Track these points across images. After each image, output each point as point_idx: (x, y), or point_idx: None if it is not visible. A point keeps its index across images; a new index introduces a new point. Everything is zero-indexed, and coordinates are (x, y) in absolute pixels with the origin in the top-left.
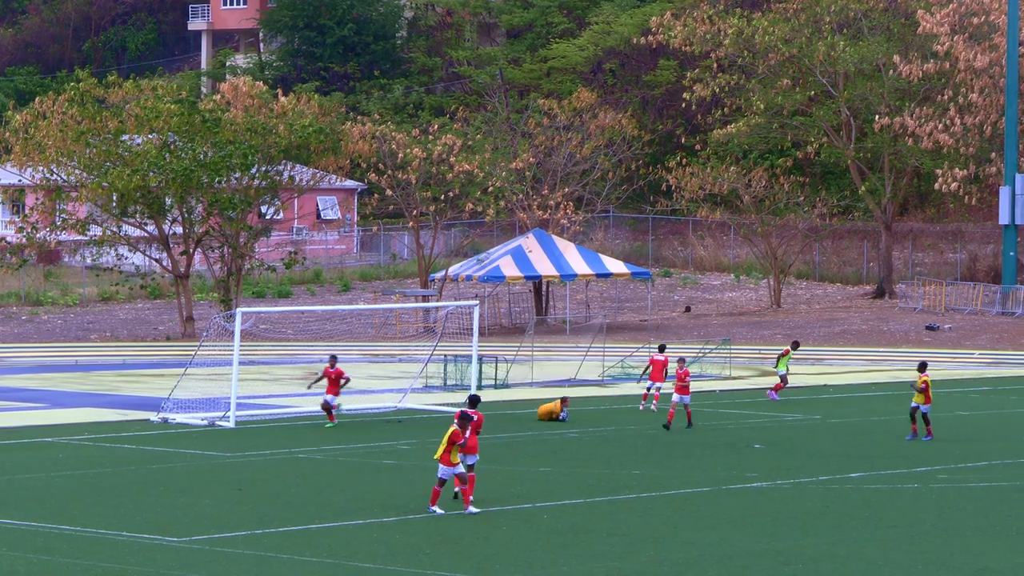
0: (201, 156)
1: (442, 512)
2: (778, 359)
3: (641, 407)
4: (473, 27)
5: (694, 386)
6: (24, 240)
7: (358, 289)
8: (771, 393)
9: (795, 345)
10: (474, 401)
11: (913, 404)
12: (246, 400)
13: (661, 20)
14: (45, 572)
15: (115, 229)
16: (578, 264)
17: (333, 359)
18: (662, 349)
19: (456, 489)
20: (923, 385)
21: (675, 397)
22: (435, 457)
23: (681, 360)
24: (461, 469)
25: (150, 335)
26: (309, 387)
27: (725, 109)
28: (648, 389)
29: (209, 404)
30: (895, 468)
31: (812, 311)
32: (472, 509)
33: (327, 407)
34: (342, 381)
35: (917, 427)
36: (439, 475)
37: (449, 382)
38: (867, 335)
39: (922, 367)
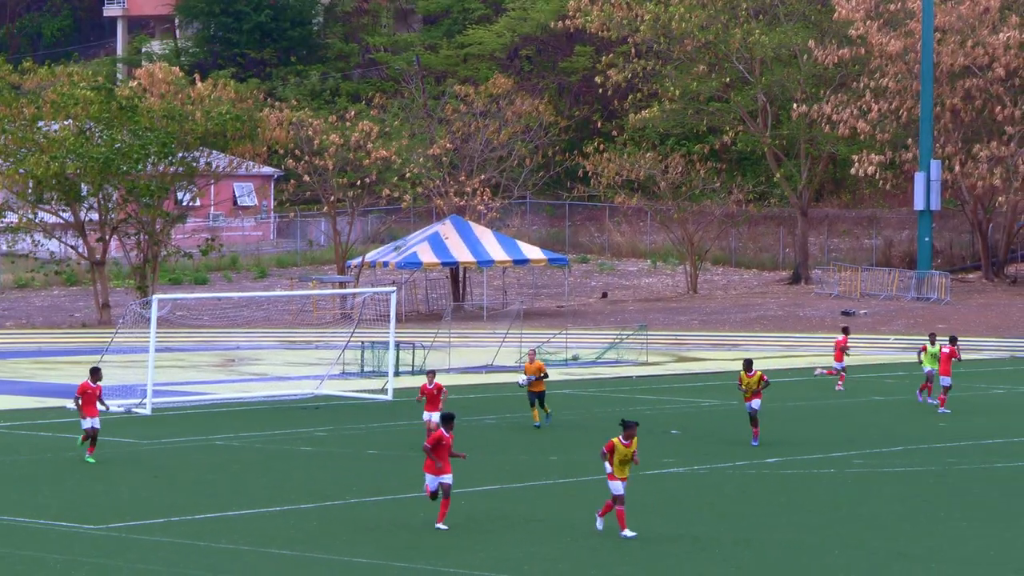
0: (119, 143)
1: (446, 528)
2: (922, 354)
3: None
4: (390, 13)
5: (612, 372)
6: None
7: (275, 276)
8: (920, 394)
9: (932, 338)
10: (447, 419)
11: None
12: (162, 387)
13: (578, 5)
14: None
15: (31, 216)
16: (495, 250)
17: (431, 374)
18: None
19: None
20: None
21: None
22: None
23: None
24: (447, 480)
25: (66, 322)
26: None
27: (639, 95)
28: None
29: (125, 391)
30: (811, 453)
31: (728, 297)
32: (441, 526)
33: (432, 427)
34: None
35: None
36: (427, 485)
37: (366, 368)
38: (783, 321)
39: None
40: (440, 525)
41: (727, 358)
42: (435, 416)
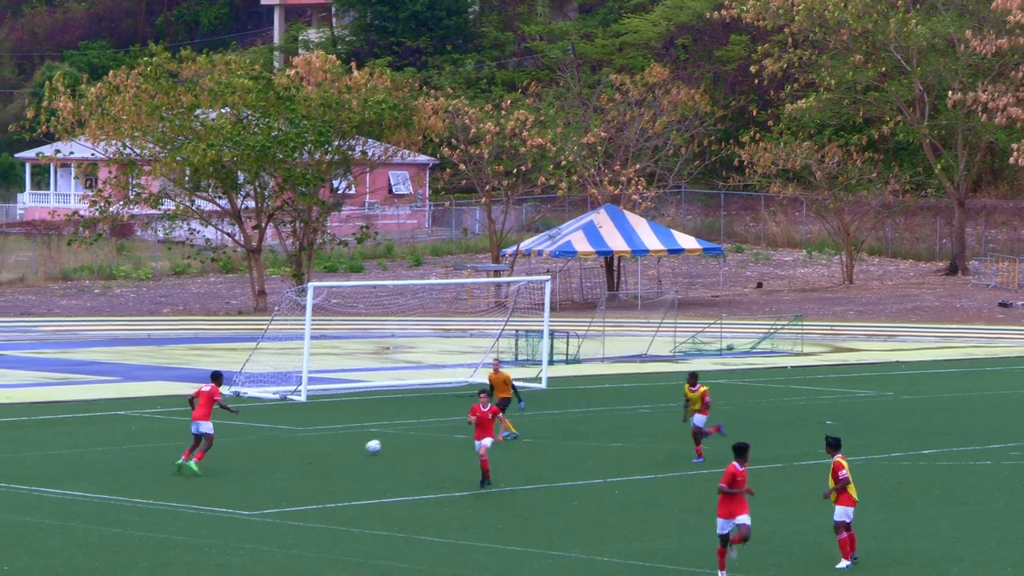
0: (276, 132)
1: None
2: None
3: None
4: (545, 1)
5: (767, 362)
6: (97, 214)
7: (429, 264)
8: None
9: None
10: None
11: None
12: (318, 374)
13: None
14: (118, 544)
15: (188, 203)
16: (649, 239)
17: (485, 395)
18: None
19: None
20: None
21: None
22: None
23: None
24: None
25: (222, 309)
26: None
27: (795, 84)
28: None
29: (281, 378)
30: (967, 445)
31: (884, 287)
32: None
33: (483, 453)
34: None
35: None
36: None
37: (520, 357)
38: (940, 312)
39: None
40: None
41: (883, 348)
42: (487, 442)
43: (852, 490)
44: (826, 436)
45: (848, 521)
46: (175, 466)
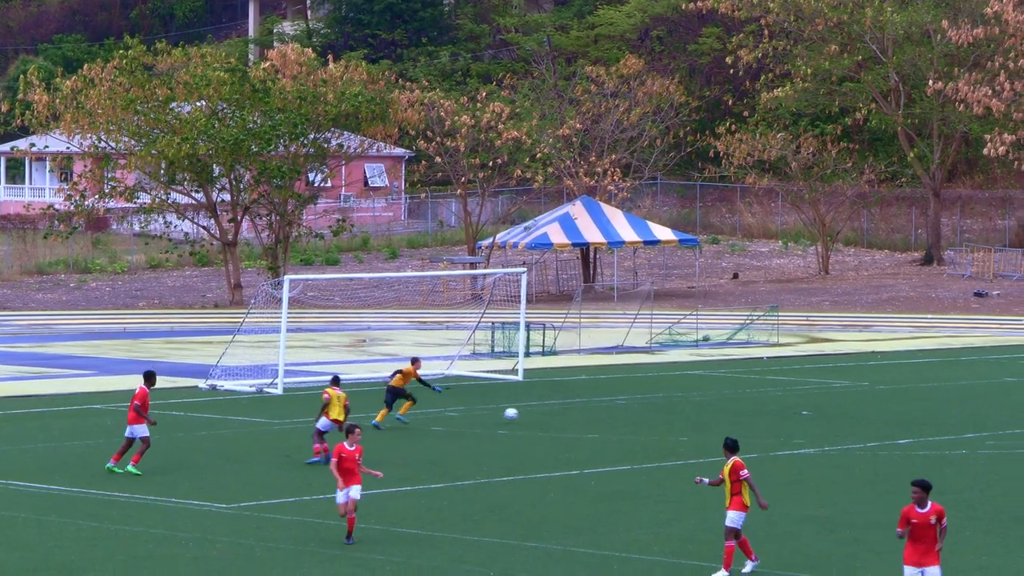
0: (251, 124)
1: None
2: None
3: None
4: None
5: (743, 352)
6: (72, 208)
7: (405, 256)
8: None
9: None
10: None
11: None
12: (294, 367)
13: None
14: (95, 538)
15: (163, 196)
16: (625, 231)
17: (353, 433)
18: None
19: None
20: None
21: None
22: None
23: None
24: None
25: (198, 302)
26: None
27: (771, 75)
28: None
29: (257, 371)
30: (943, 435)
31: (860, 278)
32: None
33: (350, 508)
34: None
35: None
36: None
37: (497, 349)
38: (915, 302)
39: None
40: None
41: (859, 339)
42: (355, 492)
43: (747, 495)
44: (726, 439)
45: (738, 528)
46: (106, 470)
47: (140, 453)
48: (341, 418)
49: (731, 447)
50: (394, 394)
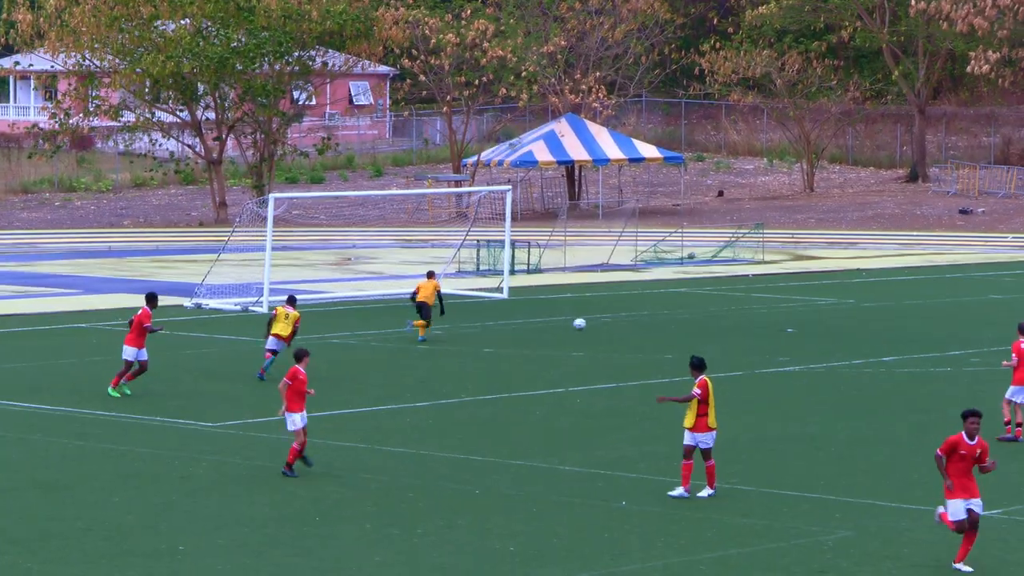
0: (235, 43)
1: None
2: None
3: None
4: None
5: (728, 270)
6: (57, 126)
7: (390, 175)
8: None
9: None
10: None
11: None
12: (278, 285)
13: None
14: (81, 456)
15: (148, 115)
16: (611, 148)
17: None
18: None
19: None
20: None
21: None
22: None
23: None
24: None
25: (183, 221)
26: None
27: None
28: None
29: (242, 289)
30: (928, 352)
31: (845, 195)
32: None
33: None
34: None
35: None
36: None
37: (482, 267)
38: (900, 219)
39: None
40: (960, 566)
41: (844, 256)
42: (299, 419)
43: (712, 416)
44: (691, 357)
45: (708, 447)
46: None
47: (135, 375)
48: (284, 334)
49: (697, 366)
50: (424, 309)
